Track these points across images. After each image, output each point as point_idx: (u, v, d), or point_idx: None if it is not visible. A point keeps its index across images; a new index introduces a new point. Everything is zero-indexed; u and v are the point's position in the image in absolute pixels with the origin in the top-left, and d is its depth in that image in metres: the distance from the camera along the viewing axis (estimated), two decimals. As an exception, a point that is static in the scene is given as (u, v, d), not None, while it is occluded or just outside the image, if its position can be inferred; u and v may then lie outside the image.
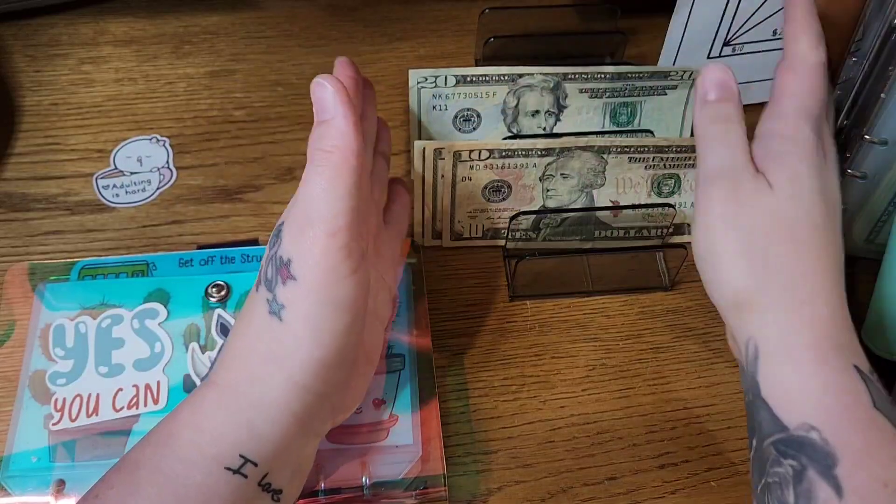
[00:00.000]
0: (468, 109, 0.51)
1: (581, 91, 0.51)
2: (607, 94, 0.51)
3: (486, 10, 0.56)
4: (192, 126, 0.55)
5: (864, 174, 0.45)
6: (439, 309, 0.48)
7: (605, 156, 0.47)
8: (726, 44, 0.54)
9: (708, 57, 0.54)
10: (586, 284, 0.50)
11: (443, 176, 0.47)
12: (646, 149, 0.47)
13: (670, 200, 0.50)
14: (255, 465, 0.33)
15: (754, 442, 0.35)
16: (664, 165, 0.48)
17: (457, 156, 0.46)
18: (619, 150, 0.47)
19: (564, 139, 0.47)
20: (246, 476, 0.32)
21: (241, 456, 0.32)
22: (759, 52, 0.55)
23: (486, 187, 0.48)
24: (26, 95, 0.56)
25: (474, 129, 0.52)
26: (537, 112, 0.52)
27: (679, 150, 0.47)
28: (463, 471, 0.43)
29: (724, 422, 0.45)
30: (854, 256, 0.50)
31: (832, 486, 0.31)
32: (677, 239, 0.51)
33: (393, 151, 0.55)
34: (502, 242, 0.50)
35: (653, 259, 0.51)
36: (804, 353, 0.34)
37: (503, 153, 0.46)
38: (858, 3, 0.44)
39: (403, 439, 0.42)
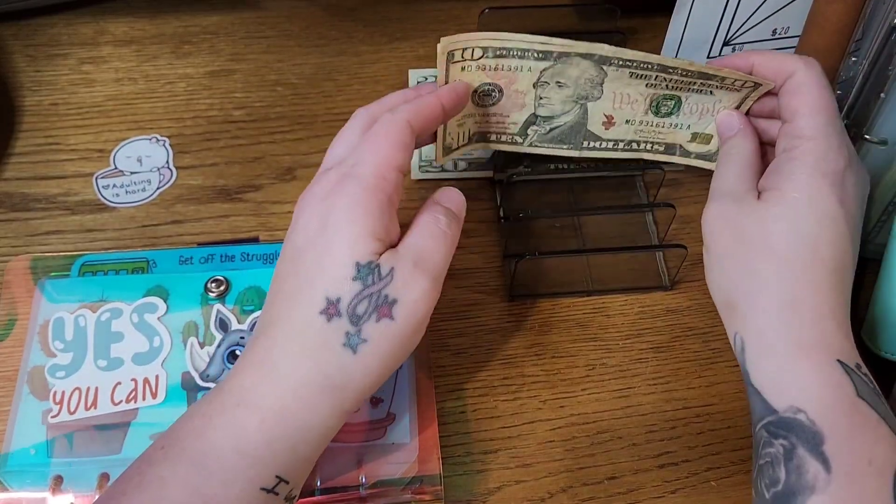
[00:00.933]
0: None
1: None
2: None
3: (486, 10, 0.57)
4: (192, 126, 0.55)
5: (864, 174, 0.45)
6: (439, 309, 0.48)
7: (605, 67, 0.44)
8: (726, 44, 0.54)
9: (708, 57, 0.54)
10: (586, 284, 0.50)
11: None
12: (650, 66, 0.44)
13: (668, 121, 0.48)
14: (287, 482, 0.34)
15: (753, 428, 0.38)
16: (666, 86, 0.46)
17: (450, 56, 0.43)
18: (620, 62, 0.44)
19: (565, 42, 0.43)
20: (277, 494, 0.33)
21: (277, 476, 0.33)
22: (759, 52, 0.55)
23: (476, 91, 0.45)
24: (26, 95, 0.56)
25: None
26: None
27: (684, 73, 0.44)
28: (463, 470, 0.43)
29: (724, 422, 0.45)
30: (854, 256, 0.50)
31: (821, 462, 0.33)
32: (666, 158, 0.50)
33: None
34: (488, 146, 0.49)
35: (653, 259, 0.51)
36: (784, 348, 0.36)
37: (497, 52, 0.43)
38: (858, 3, 0.44)
39: (401, 438, 0.41)
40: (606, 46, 0.43)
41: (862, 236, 0.49)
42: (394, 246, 0.36)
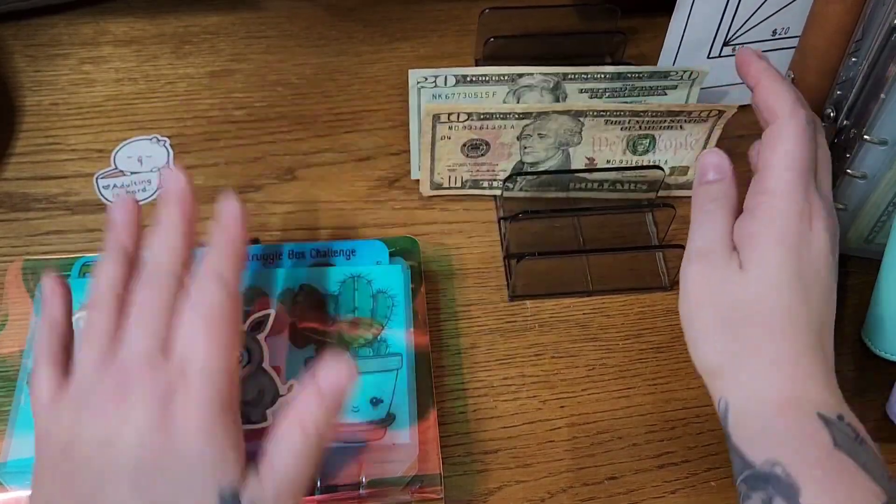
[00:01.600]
0: None
1: (581, 91, 0.51)
2: (607, 93, 0.52)
3: (486, 10, 0.57)
4: (192, 126, 0.55)
5: (863, 174, 0.45)
6: (439, 308, 0.48)
7: (581, 119, 0.48)
8: (726, 44, 0.54)
9: (708, 57, 0.54)
10: (586, 284, 0.50)
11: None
12: (622, 113, 0.48)
13: (646, 158, 0.51)
14: None
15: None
16: (640, 127, 0.49)
17: (436, 118, 0.47)
18: (595, 114, 0.48)
19: (542, 105, 0.48)
20: None
21: None
22: (760, 52, 0.55)
23: (465, 145, 0.49)
24: (26, 95, 0.56)
25: None
26: None
27: (655, 114, 0.49)
28: (463, 470, 0.43)
29: (723, 422, 0.45)
30: (854, 256, 0.50)
31: None
32: (652, 195, 0.53)
33: (393, 151, 0.55)
34: (481, 192, 0.52)
35: (653, 259, 0.51)
36: (766, 406, 0.36)
37: (481, 116, 0.47)
38: (858, 4, 0.44)
39: (401, 438, 0.41)
40: (580, 103, 0.48)
41: (862, 236, 0.49)
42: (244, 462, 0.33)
